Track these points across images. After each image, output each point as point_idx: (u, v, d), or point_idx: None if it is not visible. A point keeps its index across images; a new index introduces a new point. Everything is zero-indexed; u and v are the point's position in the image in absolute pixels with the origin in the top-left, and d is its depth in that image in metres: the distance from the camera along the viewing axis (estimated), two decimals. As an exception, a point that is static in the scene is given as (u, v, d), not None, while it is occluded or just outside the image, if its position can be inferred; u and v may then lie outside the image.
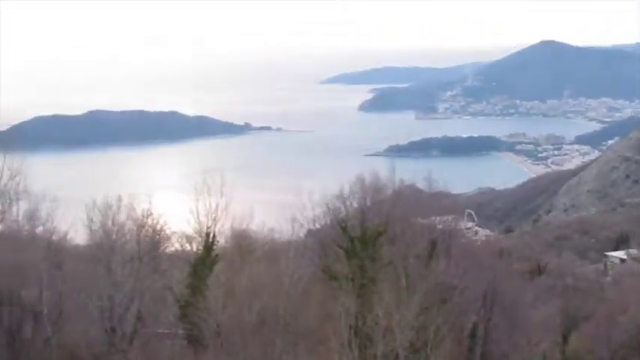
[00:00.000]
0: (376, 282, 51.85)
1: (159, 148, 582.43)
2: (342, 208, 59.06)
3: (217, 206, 55.36)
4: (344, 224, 57.31)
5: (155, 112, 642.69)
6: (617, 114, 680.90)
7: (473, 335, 63.14)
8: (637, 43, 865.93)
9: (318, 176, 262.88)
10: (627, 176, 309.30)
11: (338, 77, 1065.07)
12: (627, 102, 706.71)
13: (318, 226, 64.31)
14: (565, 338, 75.70)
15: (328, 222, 61.91)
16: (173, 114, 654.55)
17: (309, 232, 66.94)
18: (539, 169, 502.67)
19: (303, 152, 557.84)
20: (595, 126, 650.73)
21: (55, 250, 53.55)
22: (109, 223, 52.09)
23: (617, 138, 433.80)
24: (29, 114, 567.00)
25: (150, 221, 56.27)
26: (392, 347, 41.34)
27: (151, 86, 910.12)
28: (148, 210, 55.51)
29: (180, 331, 54.04)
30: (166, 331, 54.55)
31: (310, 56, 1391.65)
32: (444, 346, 43.84)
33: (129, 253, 51.90)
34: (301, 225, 62.24)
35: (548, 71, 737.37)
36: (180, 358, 49.58)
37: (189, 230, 57.34)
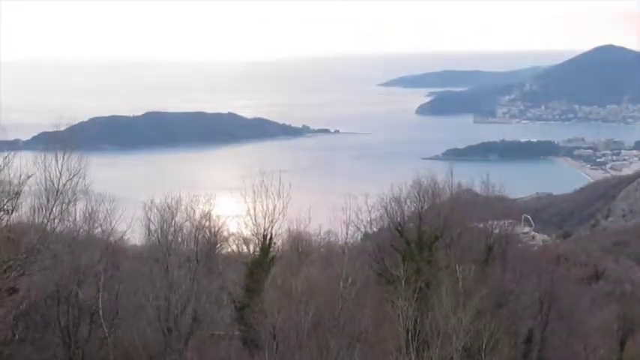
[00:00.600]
0: (433, 286, 51.80)
1: (216, 149, 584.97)
2: (399, 212, 59.06)
3: (274, 208, 55.49)
4: (401, 227, 57.33)
5: (213, 114, 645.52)
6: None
7: (529, 340, 62.88)
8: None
9: (376, 179, 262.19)
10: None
11: (397, 80, 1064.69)
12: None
13: (375, 229, 64.35)
14: (622, 344, 75.04)
15: (385, 225, 61.93)
16: (231, 116, 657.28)
17: (366, 235, 67.00)
18: (598, 174, 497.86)
19: (360, 155, 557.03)
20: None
21: (113, 251, 54.06)
22: (167, 223, 52.45)
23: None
24: (87, 114, 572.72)
25: (207, 222, 56.62)
26: (447, 352, 41.29)
27: (208, 89, 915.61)
28: (205, 211, 55.87)
29: (236, 333, 54.28)
30: (222, 332, 54.80)
31: (370, 59, 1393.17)
32: (499, 351, 43.68)
33: (186, 253, 52.22)
34: (357, 228, 62.26)
35: (607, 76, 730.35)
36: (235, 360, 49.82)
37: (247, 232, 57.57)
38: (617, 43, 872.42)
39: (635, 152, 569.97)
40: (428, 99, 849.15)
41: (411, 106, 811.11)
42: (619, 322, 76.44)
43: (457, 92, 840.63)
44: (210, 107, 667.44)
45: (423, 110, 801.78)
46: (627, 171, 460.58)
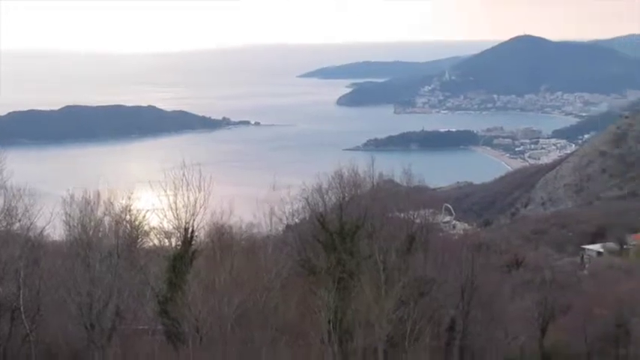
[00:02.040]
0: (355, 276, 51.96)
1: (136, 142, 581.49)
2: (321, 203, 59.14)
3: (196, 201, 55.13)
4: (322, 218, 57.40)
5: (132, 107, 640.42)
6: (594, 108, 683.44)
7: (451, 329, 63.33)
8: (613, 38, 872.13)
9: (298, 170, 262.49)
10: (603, 170, 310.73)
11: (316, 72, 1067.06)
12: (604, 96, 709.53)
13: (297, 220, 64.38)
14: (543, 331, 75.93)
15: (307, 216, 61.99)
16: (151, 109, 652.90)
17: (288, 227, 67.01)
18: (517, 163, 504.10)
19: (282, 146, 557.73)
20: (571, 120, 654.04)
21: (33, 247, 53.34)
22: (87, 218, 51.87)
23: (593, 132, 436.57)
24: (4, 109, 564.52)
25: (128, 216, 56.14)
26: (371, 341, 41.49)
27: (128, 82, 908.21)
28: (126, 205, 55.36)
29: (160, 327, 53.93)
30: (145, 327, 54.41)
31: (289, 51, 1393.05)
32: (422, 340, 44.04)
33: (107, 248, 51.67)
34: (280, 220, 62.26)
35: (525, 66, 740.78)
36: (159, 354, 49.53)
37: (168, 225, 57.16)
38: (536, 33, 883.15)
39: (553, 141, 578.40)
40: (348, 90, 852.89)
41: (331, 98, 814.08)
42: (539, 309, 77.25)
43: (377, 83, 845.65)
44: (129, 100, 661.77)
45: (343, 101, 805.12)
46: (545, 160, 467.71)
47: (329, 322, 43.00)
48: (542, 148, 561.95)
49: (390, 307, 41.59)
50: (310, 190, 60.68)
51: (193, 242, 56.01)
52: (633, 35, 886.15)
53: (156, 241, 60.22)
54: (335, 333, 42.06)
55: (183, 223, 55.43)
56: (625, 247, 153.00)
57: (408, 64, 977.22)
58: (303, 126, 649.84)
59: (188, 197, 54.59)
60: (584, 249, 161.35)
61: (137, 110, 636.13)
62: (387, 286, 43.55)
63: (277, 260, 53.74)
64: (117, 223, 53.81)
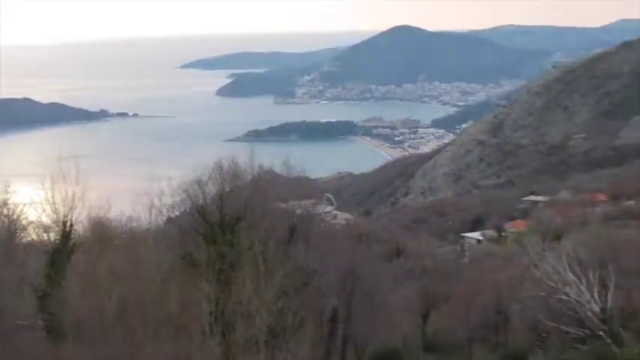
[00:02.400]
0: (236, 268, 51.78)
1: (10, 135, 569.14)
2: (201, 195, 58.77)
3: (74, 195, 54.31)
4: (202, 210, 57.05)
5: (6, 99, 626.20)
6: (471, 98, 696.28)
7: (333, 319, 63.57)
8: (491, 29, 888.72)
9: (177, 163, 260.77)
10: (481, 159, 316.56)
11: (196, 63, 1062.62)
12: (481, 86, 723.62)
13: (177, 213, 63.88)
14: (425, 319, 76.88)
15: (187, 209, 61.55)
16: (26, 101, 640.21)
17: (169, 220, 66.47)
18: (396, 153, 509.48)
19: (161, 138, 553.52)
20: (449, 110, 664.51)
21: None
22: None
23: (471, 121, 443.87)
24: None
25: (5, 211, 55.10)
26: (252, 332, 41.41)
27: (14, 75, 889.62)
28: (3, 199, 54.33)
29: (40, 323, 53.04)
30: (25, 322, 53.48)
31: (168, 43, 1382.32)
32: (304, 331, 44.06)
33: (-17, 243, 50.69)
34: (160, 212, 61.68)
35: (403, 56, 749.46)
36: (39, 350, 48.66)
37: (46, 220, 56.21)
38: (414, 23, 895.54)
39: (431, 130, 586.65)
40: (228, 80, 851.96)
41: (211, 88, 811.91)
42: (421, 297, 78.21)
43: (257, 73, 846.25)
44: (5, 93, 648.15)
45: (223, 92, 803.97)
46: (425, 149, 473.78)
47: (210, 314, 42.73)
48: (422, 138, 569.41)
49: (270, 298, 41.50)
50: (190, 181, 60.27)
51: (72, 236, 55.17)
52: (509, 26, 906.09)
53: (34, 236, 59.21)
54: (217, 325, 41.79)
55: (62, 217, 54.53)
56: (503, 234, 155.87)
57: (287, 54, 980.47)
58: (183, 117, 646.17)
59: (66, 191, 53.73)
60: (463, 237, 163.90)
61: (12, 103, 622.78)
62: (267, 277, 43.44)
63: (157, 253, 53.29)
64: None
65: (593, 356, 37.92)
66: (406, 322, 75.76)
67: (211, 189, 58.21)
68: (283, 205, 65.77)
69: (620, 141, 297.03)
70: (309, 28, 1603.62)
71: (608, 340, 25.23)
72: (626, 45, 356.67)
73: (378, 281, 71.67)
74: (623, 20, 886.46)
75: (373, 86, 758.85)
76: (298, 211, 65.49)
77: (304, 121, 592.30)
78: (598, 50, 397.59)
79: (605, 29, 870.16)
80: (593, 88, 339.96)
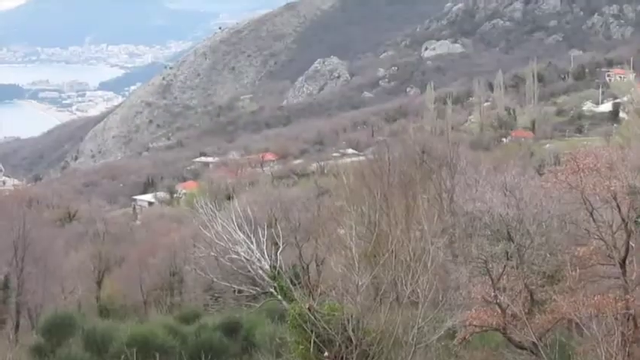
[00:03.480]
0: None
1: None
2: None
3: None
4: None
5: None
6: (139, 60, 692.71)
7: (5, 287, 62.44)
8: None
9: None
10: (150, 121, 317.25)
11: None
12: (148, 48, 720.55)
13: None
14: (99, 284, 76.65)
15: None
16: None
17: None
18: (65, 116, 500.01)
19: None
20: (118, 72, 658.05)
21: None
22: None
23: (139, 84, 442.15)
24: None
25: None
26: None
27: None
28: None
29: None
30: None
31: None
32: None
33: None
34: None
35: (70, 17, 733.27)
36: None
37: None
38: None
39: (100, 93, 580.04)
40: None
41: None
42: (94, 261, 77.85)
43: None
44: None
45: None
46: (93, 112, 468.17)
47: None
48: (90, 101, 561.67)
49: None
50: None
51: None
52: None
53: None
54: None
55: None
56: (175, 196, 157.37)
57: None
58: None
59: None
60: (135, 200, 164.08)
61: None
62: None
63: None
64: None
65: (265, 313, 39.71)
66: (80, 288, 75.20)
67: None
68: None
69: (286, 101, 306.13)
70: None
71: (279, 297, 26.59)
72: (290, 6, 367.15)
73: (51, 247, 70.83)
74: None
75: (39, 48, 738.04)
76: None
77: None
78: (263, 11, 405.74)
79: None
80: (258, 49, 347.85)
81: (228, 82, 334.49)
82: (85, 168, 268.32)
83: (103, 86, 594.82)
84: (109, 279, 77.26)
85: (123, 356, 33.90)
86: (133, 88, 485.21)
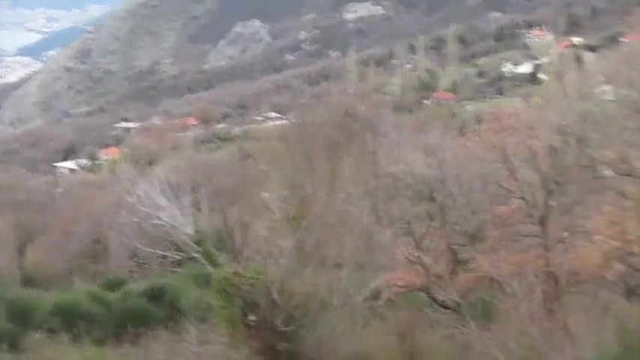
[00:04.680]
0: None
1: None
2: None
3: None
4: None
5: None
6: (57, 24, 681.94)
7: None
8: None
9: None
10: (70, 87, 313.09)
11: None
12: (66, 12, 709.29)
13: None
14: (21, 253, 75.78)
15: None
16: None
17: None
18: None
19: None
20: (35, 37, 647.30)
21: None
22: None
23: (58, 49, 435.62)
24: None
25: None
26: None
27: None
28: None
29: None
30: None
31: None
32: None
33: None
34: None
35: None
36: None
37: None
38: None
39: (17, 59, 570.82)
40: None
41: None
42: (16, 231, 76.86)
43: None
44: None
45: None
46: (12, 78, 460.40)
47: None
48: (8, 67, 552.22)
49: None
50: None
51: None
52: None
53: None
54: None
55: None
56: (97, 162, 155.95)
57: None
58: None
59: None
60: (56, 167, 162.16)
61: None
62: None
63: None
64: None
65: (190, 278, 39.61)
66: (2, 257, 74.24)
67: None
68: None
69: (208, 65, 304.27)
70: None
71: (204, 262, 26.54)
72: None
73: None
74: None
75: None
76: None
77: None
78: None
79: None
80: (179, 12, 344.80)
81: (149, 46, 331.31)
82: (3, 136, 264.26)
83: (21, 51, 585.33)
84: (32, 248, 76.27)
85: (46, 325, 33.63)
86: (51, 53, 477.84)
